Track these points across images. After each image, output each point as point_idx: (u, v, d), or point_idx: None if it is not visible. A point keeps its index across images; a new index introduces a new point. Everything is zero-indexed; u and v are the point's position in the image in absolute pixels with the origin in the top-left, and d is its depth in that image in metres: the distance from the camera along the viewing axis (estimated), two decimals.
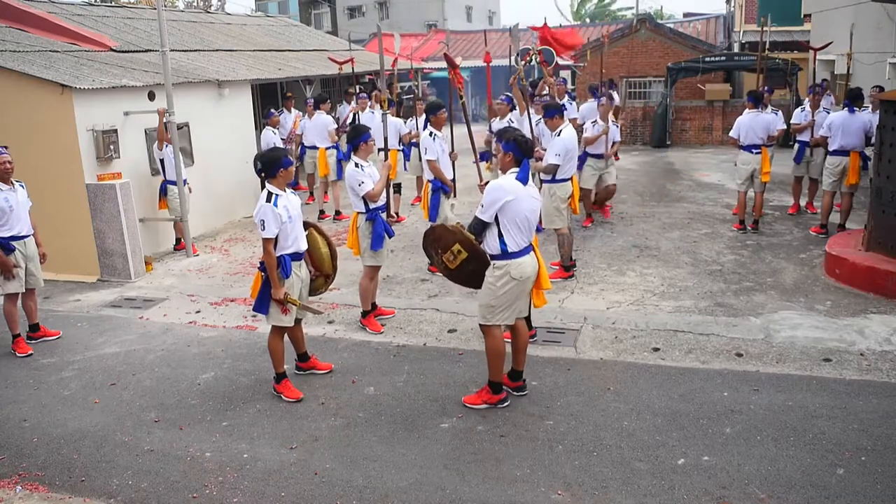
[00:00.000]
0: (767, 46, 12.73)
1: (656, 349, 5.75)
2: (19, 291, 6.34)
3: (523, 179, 4.67)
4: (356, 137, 6.14)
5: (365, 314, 6.51)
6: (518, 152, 4.68)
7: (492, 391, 4.93)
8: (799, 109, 9.93)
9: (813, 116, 9.38)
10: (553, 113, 7.28)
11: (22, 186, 6.35)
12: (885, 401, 4.74)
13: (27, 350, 6.35)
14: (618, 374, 5.35)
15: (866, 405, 4.70)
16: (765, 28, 12.33)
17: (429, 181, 7.43)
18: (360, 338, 6.31)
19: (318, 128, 11.19)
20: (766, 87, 9.94)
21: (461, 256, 4.74)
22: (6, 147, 6.28)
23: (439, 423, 4.77)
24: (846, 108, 8.59)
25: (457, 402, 5.02)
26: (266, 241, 4.93)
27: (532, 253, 4.81)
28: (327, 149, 11.09)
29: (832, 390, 4.92)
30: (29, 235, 6.37)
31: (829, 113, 9.21)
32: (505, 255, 4.68)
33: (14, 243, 6.22)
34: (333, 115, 12.11)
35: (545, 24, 10.79)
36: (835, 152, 8.60)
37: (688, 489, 3.92)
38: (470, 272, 4.84)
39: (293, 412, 5.04)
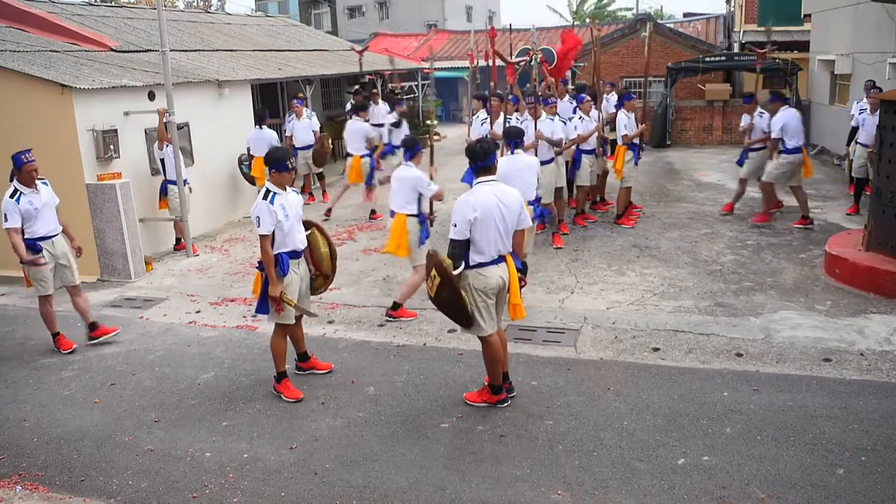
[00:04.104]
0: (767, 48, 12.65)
1: (656, 349, 5.75)
2: (49, 292, 6.33)
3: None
4: (414, 146, 6.47)
5: (396, 307, 6.62)
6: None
7: (492, 392, 4.95)
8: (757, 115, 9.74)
9: (752, 121, 9.54)
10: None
11: (45, 184, 6.29)
12: (885, 401, 4.74)
13: (70, 346, 6.39)
14: (618, 374, 5.35)
15: (866, 405, 4.69)
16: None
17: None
18: (360, 338, 6.31)
19: (353, 135, 10.65)
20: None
21: (436, 282, 4.57)
22: (30, 150, 6.17)
23: (439, 423, 4.77)
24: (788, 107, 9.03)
25: (457, 402, 5.02)
26: (262, 237, 4.94)
27: (502, 263, 4.74)
28: (362, 157, 10.55)
29: (832, 390, 4.92)
30: (56, 234, 6.32)
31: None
32: (467, 267, 4.66)
33: (41, 243, 6.20)
34: (365, 117, 11.34)
35: (570, 29, 10.79)
36: (789, 150, 8.98)
37: (688, 489, 3.92)
38: (444, 299, 4.63)
39: (293, 412, 5.04)
